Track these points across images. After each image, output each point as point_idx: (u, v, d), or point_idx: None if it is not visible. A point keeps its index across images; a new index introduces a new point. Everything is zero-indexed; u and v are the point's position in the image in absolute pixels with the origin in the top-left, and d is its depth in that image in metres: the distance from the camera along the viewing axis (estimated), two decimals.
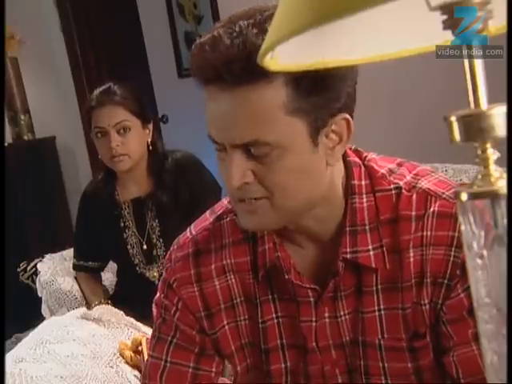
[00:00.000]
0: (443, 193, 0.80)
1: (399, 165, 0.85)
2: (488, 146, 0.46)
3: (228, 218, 0.87)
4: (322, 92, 0.72)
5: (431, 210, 0.79)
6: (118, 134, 1.74)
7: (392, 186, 0.81)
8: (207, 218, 0.90)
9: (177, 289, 0.88)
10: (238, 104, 0.71)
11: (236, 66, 0.68)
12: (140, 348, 1.37)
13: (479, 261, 0.45)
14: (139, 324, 1.53)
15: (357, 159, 0.83)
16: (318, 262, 0.84)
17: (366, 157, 0.85)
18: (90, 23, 3.46)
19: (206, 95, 0.74)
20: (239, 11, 0.73)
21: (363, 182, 0.81)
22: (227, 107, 0.72)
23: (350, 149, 0.85)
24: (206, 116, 0.75)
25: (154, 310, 0.92)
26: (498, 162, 0.46)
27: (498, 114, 0.45)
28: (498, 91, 0.50)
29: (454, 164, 1.60)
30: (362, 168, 0.82)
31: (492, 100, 0.47)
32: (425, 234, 0.79)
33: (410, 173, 0.83)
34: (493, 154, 0.46)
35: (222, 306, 0.86)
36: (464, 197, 0.46)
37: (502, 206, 0.44)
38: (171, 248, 0.92)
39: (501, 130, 0.45)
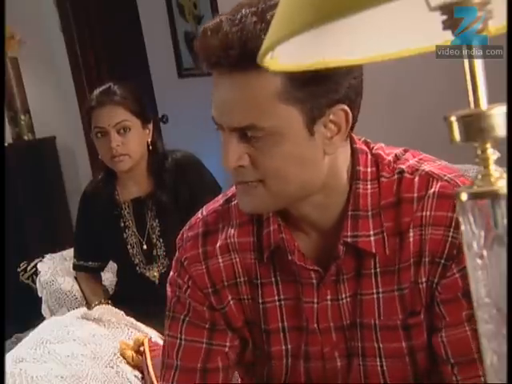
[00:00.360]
0: (445, 175, 0.82)
1: (405, 151, 0.87)
2: (488, 146, 0.46)
3: (236, 201, 0.89)
4: (318, 83, 0.73)
5: (431, 190, 0.81)
6: (118, 134, 1.74)
7: (395, 172, 0.83)
8: (218, 199, 0.94)
9: (187, 267, 0.91)
10: (234, 89, 0.74)
11: (232, 53, 0.71)
12: (142, 348, 1.37)
13: (479, 261, 0.45)
14: (139, 324, 1.53)
15: (364, 147, 0.85)
16: (321, 247, 0.86)
17: (373, 147, 0.86)
18: (90, 23, 3.46)
19: (213, 76, 0.77)
20: None
21: (369, 169, 0.83)
22: (225, 92, 0.75)
23: (359, 139, 0.86)
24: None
25: (169, 289, 0.95)
26: (497, 162, 0.46)
27: (498, 114, 0.45)
28: (498, 91, 0.50)
29: (454, 164, 1.60)
30: (369, 156, 0.84)
31: (492, 100, 0.47)
32: (424, 214, 0.80)
33: (414, 158, 0.85)
34: (493, 154, 0.46)
35: (226, 284, 0.89)
36: (464, 197, 0.46)
37: (502, 206, 0.44)
38: (183, 228, 0.95)
39: (501, 130, 0.45)
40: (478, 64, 0.46)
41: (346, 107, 0.76)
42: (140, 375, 1.34)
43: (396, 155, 0.85)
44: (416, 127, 2.34)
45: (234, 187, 0.92)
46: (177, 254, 0.94)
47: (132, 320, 1.54)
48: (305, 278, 0.85)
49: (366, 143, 0.87)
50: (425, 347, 0.84)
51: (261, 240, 0.87)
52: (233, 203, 0.90)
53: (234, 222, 0.89)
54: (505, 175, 0.45)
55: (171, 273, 0.95)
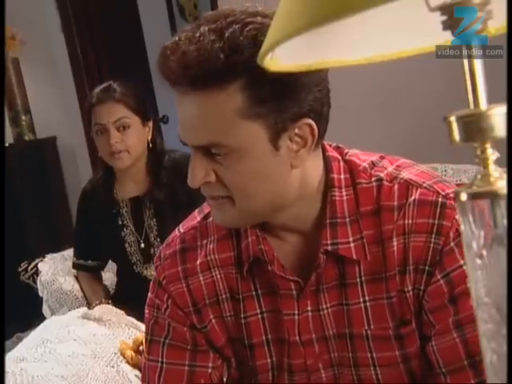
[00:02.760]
0: (424, 182, 0.81)
1: (381, 157, 0.86)
2: (487, 146, 0.46)
3: None
4: (280, 98, 0.73)
5: (412, 198, 0.80)
6: (118, 131, 1.76)
7: (373, 179, 0.82)
8: (195, 216, 0.92)
9: (166, 286, 0.89)
10: (195, 108, 0.73)
11: (190, 72, 0.70)
12: (141, 348, 1.37)
13: (479, 261, 0.45)
14: (140, 324, 1.53)
15: (336, 154, 0.84)
16: (300, 256, 0.85)
17: (347, 153, 0.86)
18: (91, 24, 3.46)
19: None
20: (212, 13, 0.75)
21: (342, 176, 0.82)
22: (186, 110, 0.75)
23: (330, 145, 0.85)
24: None
25: (146, 311, 0.93)
26: (497, 162, 0.46)
27: (498, 114, 0.45)
28: (498, 91, 0.50)
29: (453, 164, 1.61)
30: (341, 162, 0.84)
31: (492, 100, 0.47)
32: (406, 222, 0.80)
33: (392, 165, 0.84)
34: (492, 155, 0.46)
35: (207, 302, 0.88)
36: (464, 197, 0.46)
37: (502, 206, 0.44)
38: (161, 247, 0.93)
39: (500, 131, 0.45)
40: (478, 64, 0.46)
41: (310, 121, 0.75)
42: (140, 374, 1.35)
43: (372, 162, 0.84)
44: (416, 127, 2.34)
45: None
46: (154, 274, 0.92)
47: (133, 320, 1.55)
48: (284, 290, 0.84)
49: (338, 149, 0.86)
50: (419, 354, 0.83)
51: (240, 253, 0.85)
52: (210, 219, 0.89)
53: (212, 237, 0.88)
54: (504, 175, 0.45)
55: (149, 294, 0.93)
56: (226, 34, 0.69)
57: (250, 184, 0.76)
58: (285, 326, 0.85)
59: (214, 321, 0.88)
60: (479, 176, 0.46)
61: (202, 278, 0.87)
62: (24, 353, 1.28)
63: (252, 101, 0.72)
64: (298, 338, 0.85)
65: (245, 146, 0.74)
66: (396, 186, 0.81)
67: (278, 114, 0.73)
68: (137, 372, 1.35)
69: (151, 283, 0.92)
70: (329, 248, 0.81)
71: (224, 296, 0.87)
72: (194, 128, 0.75)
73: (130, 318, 1.56)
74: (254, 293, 0.86)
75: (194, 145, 0.76)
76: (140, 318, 1.55)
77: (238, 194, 0.76)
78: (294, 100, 0.73)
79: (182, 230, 0.91)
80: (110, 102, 1.76)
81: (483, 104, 0.46)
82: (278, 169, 0.77)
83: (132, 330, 1.50)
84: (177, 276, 0.88)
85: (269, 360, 0.87)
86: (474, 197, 0.45)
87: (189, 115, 0.75)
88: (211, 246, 0.87)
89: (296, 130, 0.75)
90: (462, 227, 0.46)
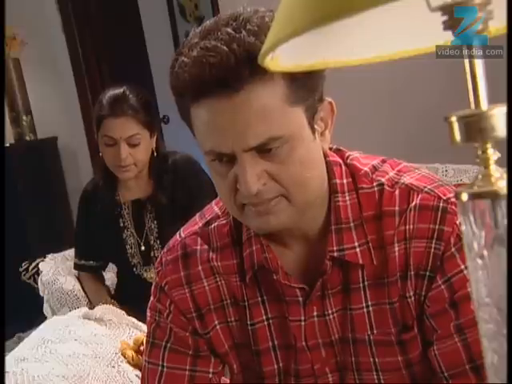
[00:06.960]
0: (425, 187, 0.81)
1: (383, 161, 0.86)
2: (488, 146, 0.46)
3: (216, 223, 0.88)
4: (311, 77, 0.73)
5: (413, 203, 0.80)
6: (128, 145, 1.74)
7: (374, 184, 0.82)
8: (197, 222, 0.91)
9: (168, 291, 0.89)
10: (248, 107, 0.70)
11: (234, 72, 0.68)
12: (142, 348, 1.37)
13: (479, 261, 0.45)
14: (141, 324, 1.53)
15: (337, 158, 0.84)
16: (305, 262, 0.84)
17: (348, 156, 0.85)
18: (92, 24, 3.47)
19: (198, 111, 0.73)
20: (212, 20, 0.74)
21: (344, 181, 0.82)
22: (235, 113, 0.70)
23: (331, 149, 0.85)
24: (202, 131, 0.74)
25: (148, 314, 0.92)
26: (497, 162, 0.46)
27: (499, 114, 0.45)
28: (498, 91, 0.50)
29: (454, 164, 1.61)
30: (343, 167, 0.83)
31: (492, 100, 0.47)
32: (407, 227, 0.80)
33: (393, 169, 0.84)
34: (493, 155, 0.46)
35: (212, 307, 0.87)
36: (464, 197, 0.46)
37: (503, 206, 0.44)
38: (162, 252, 0.92)
39: (501, 131, 0.45)
40: (479, 64, 0.46)
41: (330, 99, 0.77)
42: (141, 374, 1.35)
43: (374, 166, 0.84)
44: (416, 127, 2.34)
45: (211, 208, 0.91)
46: (156, 279, 0.92)
47: (133, 320, 1.54)
48: (290, 297, 0.84)
49: (339, 152, 0.86)
50: (421, 359, 0.83)
51: (242, 261, 0.85)
52: (212, 226, 0.88)
53: (214, 245, 0.87)
54: (505, 175, 0.45)
55: (151, 298, 0.92)
56: (250, 26, 0.69)
57: (305, 173, 0.75)
58: (291, 332, 0.85)
59: (218, 326, 0.87)
60: (480, 176, 0.46)
61: (206, 284, 0.87)
62: (25, 353, 1.28)
63: (293, 84, 0.71)
64: (304, 343, 0.85)
65: (297, 133, 0.73)
66: (397, 191, 0.81)
67: (311, 95, 0.74)
68: (138, 372, 1.35)
69: (153, 288, 0.92)
70: (335, 254, 0.80)
71: (229, 301, 0.87)
72: (247, 128, 0.70)
73: (130, 318, 1.56)
74: (259, 299, 0.86)
75: (247, 147, 0.71)
76: (140, 319, 1.56)
77: (294, 187, 0.74)
78: (320, 78, 0.74)
79: (183, 235, 0.90)
80: (123, 116, 1.72)
81: (484, 104, 0.46)
82: (318, 154, 0.78)
83: (133, 330, 1.50)
84: (179, 282, 0.88)
85: (276, 366, 0.87)
86: (474, 197, 0.45)
87: (239, 117, 0.70)
88: (213, 254, 0.87)
89: (321, 112, 0.76)
90: (463, 227, 0.46)
